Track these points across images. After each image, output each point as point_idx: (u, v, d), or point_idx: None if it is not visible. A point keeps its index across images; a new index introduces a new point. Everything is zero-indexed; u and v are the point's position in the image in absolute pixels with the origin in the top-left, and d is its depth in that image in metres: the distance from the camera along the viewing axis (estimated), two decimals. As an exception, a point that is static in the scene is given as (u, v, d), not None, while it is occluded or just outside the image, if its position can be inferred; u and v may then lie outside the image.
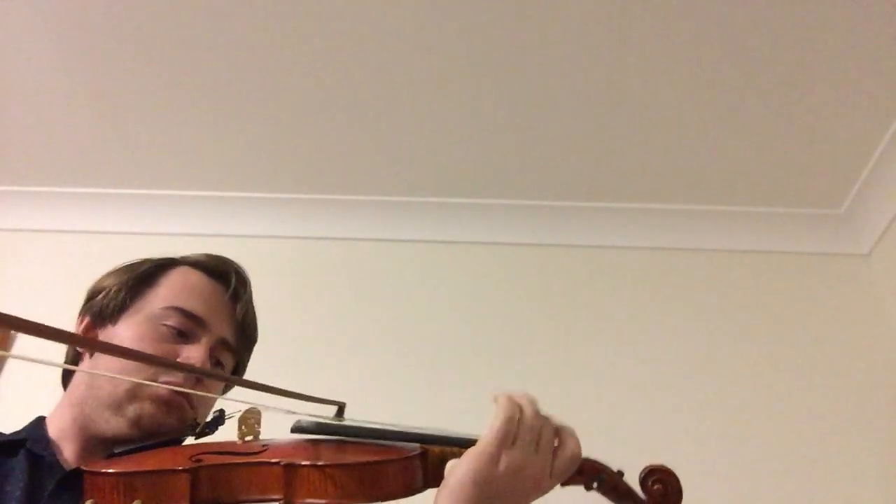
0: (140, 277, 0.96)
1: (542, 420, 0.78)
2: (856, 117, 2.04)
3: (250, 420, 0.80)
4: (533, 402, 0.79)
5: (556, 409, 2.23)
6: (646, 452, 2.02)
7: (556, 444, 0.79)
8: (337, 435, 0.78)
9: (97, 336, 0.93)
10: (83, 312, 0.98)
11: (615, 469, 0.85)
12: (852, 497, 1.91)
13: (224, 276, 0.99)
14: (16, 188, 2.41)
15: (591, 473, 0.83)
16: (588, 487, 0.83)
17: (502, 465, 0.73)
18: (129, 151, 2.29)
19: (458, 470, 0.72)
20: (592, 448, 2.11)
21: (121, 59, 2.02)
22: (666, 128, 2.11)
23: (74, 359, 0.95)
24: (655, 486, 0.84)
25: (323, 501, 0.69)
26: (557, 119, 2.11)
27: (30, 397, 2.06)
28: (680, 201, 2.31)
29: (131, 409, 0.84)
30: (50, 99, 2.14)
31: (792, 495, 1.92)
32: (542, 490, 0.77)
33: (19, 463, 0.82)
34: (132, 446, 0.81)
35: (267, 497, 0.70)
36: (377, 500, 0.70)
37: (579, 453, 0.80)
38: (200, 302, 0.94)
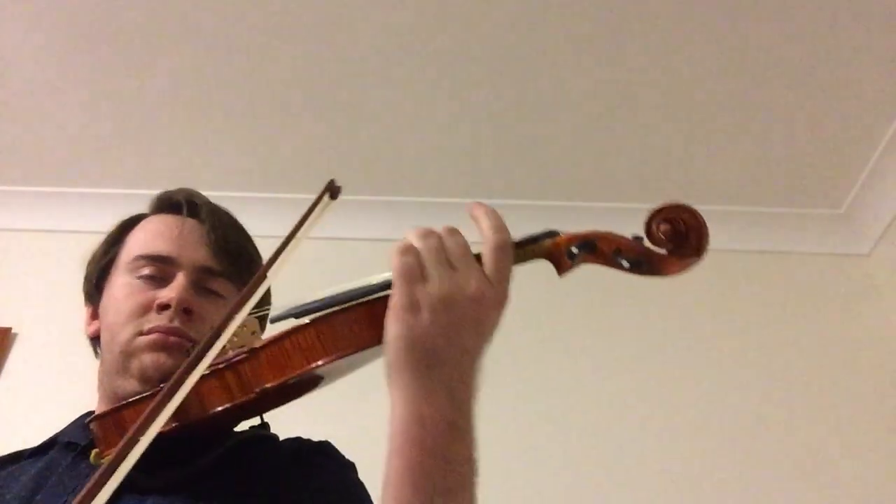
0: (108, 244, 0.96)
1: (436, 233, 0.64)
2: (856, 117, 2.04)
3: (243, 329, 0.75)
4: (417, 229, 0.65)
5: (556, 408, 2.23)
6: (644, 451, 2.03)
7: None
8: (313, 310, 0.71)
9: (98, 316, 0.92)
10: (85, 302, 0.97)
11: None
12: (853, 496, 1.90)
13: (177, 206, 0.95)
14: (16, 188, 2.41)
15: (566, 243, 0.66)
16: (565, 263, 0.66)
17: (425, 308, 0.60)
18: (130, 151, 2.29)
19: (386, 338, 0.61)
20: (592, 443, 2.10)
21: (121, 60, 2.02)
22: (666, 128, 2.11)
23: (96, 348, 0.94)
24: (661, 228, 0.66)
25: (288, 374, 0.66)
26: (557, 119, 2.11)
27: (30, 398, 2.06)
28: (680, 201, 2.31)
29: (133, 366, 0.83)
30: (50, 99, 2.14)
31: (792, 495, 1.92)
32: (497, 304, 0.64)
33: (47, 456, 0.83)
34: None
35: (237, 400, 0.69)
36: (342, 354, 0.65)
37: (501, 234, 0.64)
38: (163, 241, 0.90)
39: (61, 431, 0.88)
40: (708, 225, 0.66)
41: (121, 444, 0.56)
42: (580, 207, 2.36)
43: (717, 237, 2.62)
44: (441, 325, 0.60)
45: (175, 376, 0.63)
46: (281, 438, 0.88)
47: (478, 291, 0.62)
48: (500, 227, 0.65)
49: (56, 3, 1.89)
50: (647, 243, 0.66)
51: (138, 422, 0.59)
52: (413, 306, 0.61)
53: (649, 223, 0.66)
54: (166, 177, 2.36)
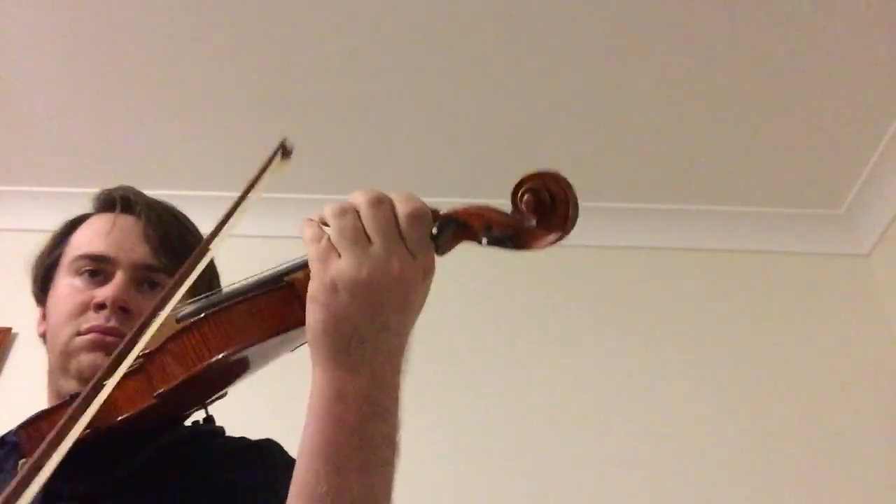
0: (51, 245, 0.97)
1: (351, 207, 0.60)
2: (856, 117, 2.04)
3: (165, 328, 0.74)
4: (333, 205, 0.61)
5: (556, 409, 2.23)
6: (643, 451, 2.03)
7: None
8: (208, 308, 0.69)
9: (46, 317, 0.93)
10: (36, 303, 0.98)
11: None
12: (852, 497, 1.90)
13: (112, 203, 0.96)
14: (16, 188, 2.41)
15: (435, 219, 0.62)
16: (435, 238, 0.62)
17: (342, 288, 0.57)
18: (129, 151, 2.29)
19: (307, 323, 0.59)
20: (591, 447, 2.10)
21: (121, 60, 2.02)
22: (666, 128, 2.11)
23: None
24: (525, 198, 0.60)
25: (184, 374, 0.65)
26: (557, 119, 2.11)
27: (30, 398, 2.06)
28: (680, 201, 2.31)
29: (73, 367, 0.84)
30: (50, 99, 2.14)
31: (791, 496, 1.92)
32: (421, 276, 0.61)
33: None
34: None
35: (143, 405, 0.68)
36: (254, 341, 0.63)
37: (417, 204, 0.60)
38: (101, 240, 0.90)
39: (8, 431, 0.87)
40: (577, 197, 0.61)
41: (31, 458, 0.54)
42: (580, 207, 2.36)
43: (717, 237, 2.64)
44: (360, 305, 0.58)
45: (91, 382, 0.61)
46: (227, 434, 0.86)
47: (402, 267, 0.59)
48: (411, 197, 0.61)
49: (57, 3, 1.89)
50: (514, 215, 0.61)
51: (51, 434, 0.56)
52: (329, 287, 0.58)
53: (514, 194, 0.60)
54: (167, 177, 2.37)
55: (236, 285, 0.70)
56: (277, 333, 0.64)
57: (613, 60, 1.94)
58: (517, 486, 1.91)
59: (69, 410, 0.58)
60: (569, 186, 0.60)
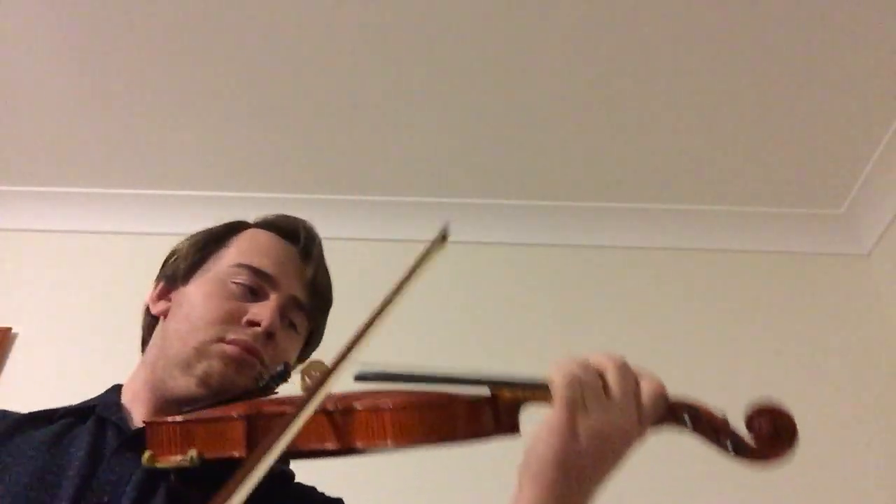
0: (211, 238, 0.97)
1: (607, 368, 0.69)
2: (856, 117, 2.04)
3: (314, 372, 0.78)
4: (586, 360, 0.70)
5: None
6: (644, 453, 2.02)
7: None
8: (401, 381, 0.74)
9: (170, 297, 0.93)
10: (158, 278, 0.97)
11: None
12: (852, 497, 1.91)
13: (293, 234, 0.98)
14: (16, 188, 2.41)
15: (681, 408, 0.74)
16: (680, 422, 0.73)
17: (583, 435, 0.66)
18: (130, 151, 2.29)
19: (537, 449, 0.66)
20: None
21: (122, 60, 2.02)
22: (666, 128, 2.11)
23: (151, 323, 0.94)
24: (762, 425, 0.71)
25: (378, 444, 0.68)
26: (557, 119, 2.11)
27: (30, 398, 2.06)
28: (680, 201, 2.31)
29: (200, 367, 0.83)
30: (51, 99, 2.14)
31: (791, 496, 1.92)
32: (636, 440, 0.69)
33: (88, 427, 0.82)
34: (201, 405, 0.79)
35: (324, 445, 0.70)
36: (437, 442, 0.67)
37: (662, 386, 0.72)
38: (270, 260, 0.92)
39: (96, 403, 0.87)
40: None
41: (233, 482, 0.54)
42: (580, 207, 2.37)
43: (717, 237, 2.63)
44: (592, 451, 0.66)
45: (294, 413, 0.62)
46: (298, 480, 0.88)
47: (630, 430, 0.68)
48: (655, 376, 0.72)
49: (57, 3, 1.89)
50: (742, 432, 0.72)
51: (252, 458, 0.57)
52: (573, 432, 0.66)
53: (752, 417, 0.71)
54: (166, 177, 2.37)
55: (425, 371, 0.73)
56: (458, 439, 0.68)
57: (613, 60, 1.94)
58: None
59: (275, 434, 0.59)
60: (797, 430, 0.71)
